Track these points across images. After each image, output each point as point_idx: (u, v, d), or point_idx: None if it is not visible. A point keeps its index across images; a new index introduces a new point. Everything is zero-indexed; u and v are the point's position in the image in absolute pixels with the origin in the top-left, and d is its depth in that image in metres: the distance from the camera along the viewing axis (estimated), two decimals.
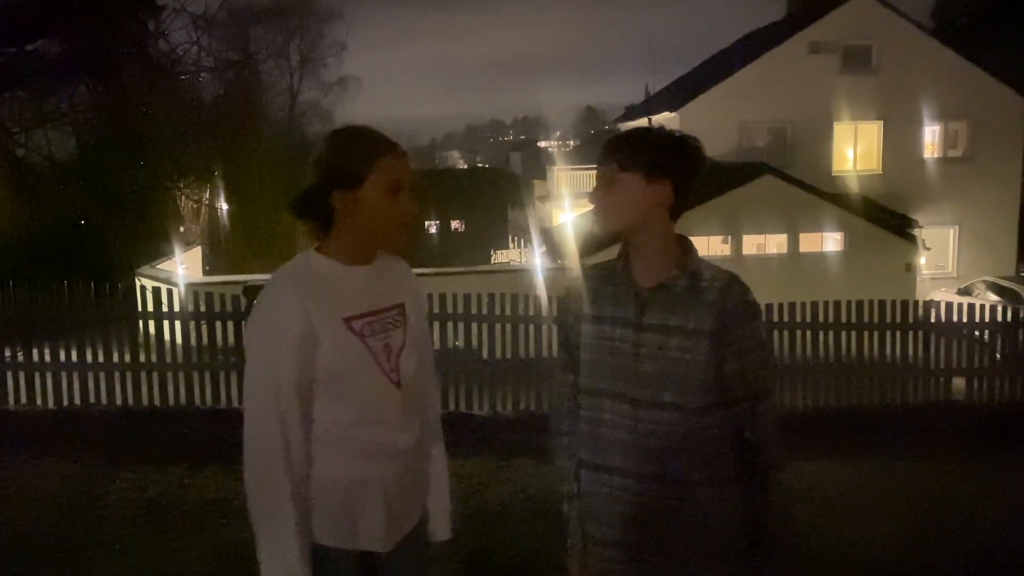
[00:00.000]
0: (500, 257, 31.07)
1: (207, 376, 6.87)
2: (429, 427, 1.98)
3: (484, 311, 7.22)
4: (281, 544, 1.67)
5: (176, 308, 7.14)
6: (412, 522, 1.92)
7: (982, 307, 7.79)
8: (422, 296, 1.99)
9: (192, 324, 6.97)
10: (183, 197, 22.06)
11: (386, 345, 1.80)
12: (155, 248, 17.59)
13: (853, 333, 7.42)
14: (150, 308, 7.05)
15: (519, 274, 15.57)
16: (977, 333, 7.66)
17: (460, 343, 7.21)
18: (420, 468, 1.94)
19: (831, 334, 7.41)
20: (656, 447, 1.72)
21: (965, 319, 7.62)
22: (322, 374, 1.71)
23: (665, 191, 1.73)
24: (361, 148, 1.76)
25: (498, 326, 7.22)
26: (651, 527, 1.75)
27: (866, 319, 7.45)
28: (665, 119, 21.26)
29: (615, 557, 1.80)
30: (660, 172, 1.72)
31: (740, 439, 1.74)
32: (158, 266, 15.87)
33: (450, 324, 7.17)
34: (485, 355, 7.23)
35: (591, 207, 1.83)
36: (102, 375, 6.84)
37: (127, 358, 6.91)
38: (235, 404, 6.69)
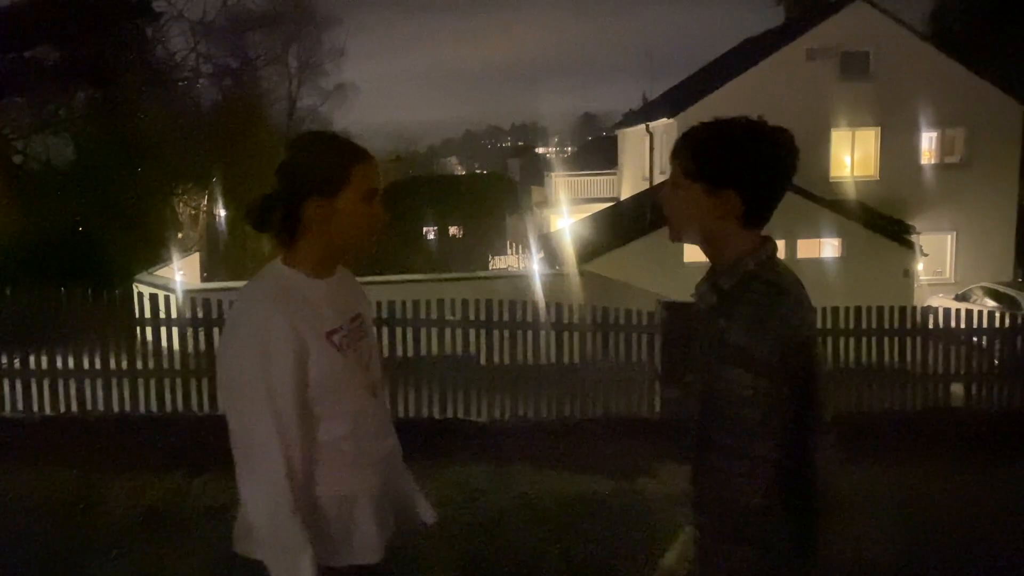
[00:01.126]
0: (498, 263, 31.06)
1: (205, 383, 6.85)
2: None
3: (482, 317, 7.21)
4: (303, 571, 1.63)
5: (174, 315, 7.12)
6: (392, 527, 1.93)
7: (980, 313, 7.79)
8: (371, 305, 2.00)
9: (190, 331, 6.96)
10: (181, 203, 22.08)
11: (359, 356, 1.80)
12: (153, 255, 17.56)
13: (851, 339, 7.42)
14: (148, 315, 7.04)
15: (517, 280, 15.56)
16: (975, 339, 7.67)
17: (459, 351, 7.20)
18: (394, 469, 1.96)
19: (829, 340, 7.40)
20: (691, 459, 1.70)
21: (963, 325, 7.63)
22: (313, 391, 1.68)
23: (730, 202, 1.57)
24: (340, 155, 1.72)
25: (496, 332, 7.21)
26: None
27: (864, 325, 7.45)
28: (663, 125, 21.29)
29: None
30: (723, 182, 1.56)
31: (719, 495, 1.58)
32: (156, 272, 15.84)
33: (448, 330, 7.16)
34: (483, 361, 7.22)
35: (662, 207, 1.68)
36: (99, 382, 6.82)
37: (124, 365, 6.89)
38: None
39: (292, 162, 1.73)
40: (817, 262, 16.90)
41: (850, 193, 19.08)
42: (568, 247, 17.27)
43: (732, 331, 1.49)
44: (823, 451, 1.59)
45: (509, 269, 26.80)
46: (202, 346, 6.90)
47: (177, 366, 6.94)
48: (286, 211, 1.71)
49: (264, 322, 1.65)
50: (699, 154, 1.57)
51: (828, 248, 17.49)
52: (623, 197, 25.04)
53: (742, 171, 1.55)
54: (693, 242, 1.65)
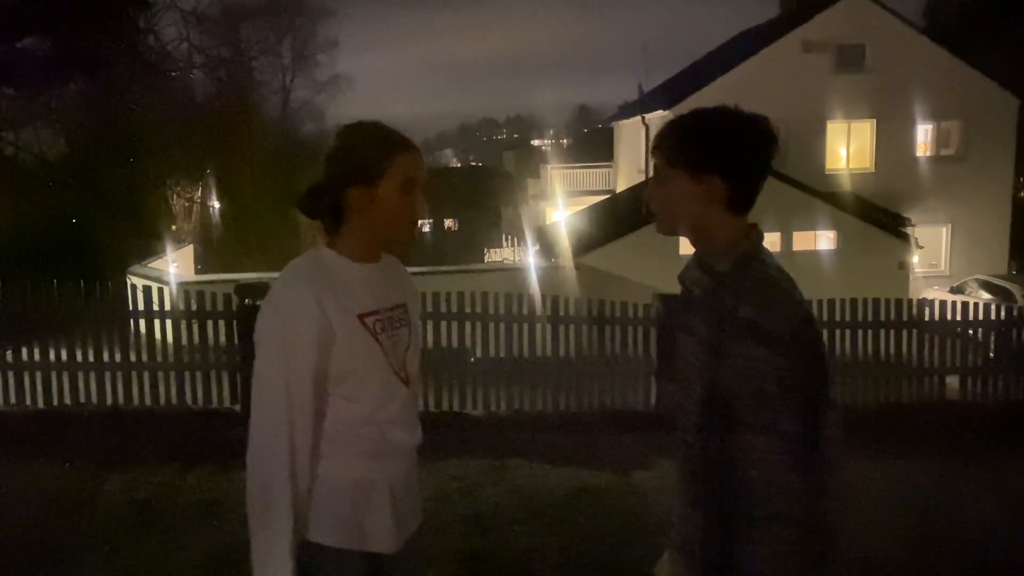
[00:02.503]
0: (493, 256, 31.03)
1: (199, 376, 6.82)
2: None
3: (478, 310, 7.19)
4: (277, 552, 1.65)
5: (168, 307, 7.08)
6: (416, 522, 1.93)
7: (975, 305, 7.80)
8: (419, 297, 2.01)
9: (184, 323, 6.93)
10: (175, 195, 21.98)
11: (395, 343, 1.81)
12: (146, 246, 17.49)
13: (847, 332, 7.43)
14: (141, 307, 7.00)
15: (513, 273, 15.55)
16: (970, 331, 7.67)
17: (455, 344, 7.18)
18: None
19: (824, 333, 7.41)
20: (681, 454, 1.68)
21: (959, 318, 7.63)
22: (336, 370, 1.70)
23: (715, 188, 1.56)
24: (380, 144, 1.75)
25: (492, 325, 7.19)
26: (679, 525, 1.72)
27: (859, 318, 7.45)
28: (659, 117, 21.26)
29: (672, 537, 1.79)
30: (706, 169, 1.55)
31: (744, 476, 1.50)
32: (149, 265, 15.79)
33: (443, 323, 7.13)
34: (479, 354, 7.20)
35: (646, 201, 1.68)
36: (93, 375, 6.78)
37: (118, 358, 6.86)
38: (227, 404, 6.66)
39: (336, 151, 1.76)
40: (812, 254, 16.91)
41: (846, 185, 19.10)
42: (564, 240, 17.25)
43: (744, 307, 1.49)
44: (831, 428, 1.57)
45: (504, 262, 26.75)
46: (196, 339, 6.87)
47: (171, 359, 6.91)
48: (331, 199, 1.75)
49: (290, 299, 1.69)
50: (682, 142, 1.58)
51: (823, 240, 17.51)
52: (619, 190, 25.01)
53: (725, 155, 1.55)
54: (682, 233, 1.65)
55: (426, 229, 35.94)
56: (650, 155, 1.66)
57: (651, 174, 1.68)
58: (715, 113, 1.59)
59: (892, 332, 7.47)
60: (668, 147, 1.60)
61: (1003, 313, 7.76)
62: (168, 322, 7.03)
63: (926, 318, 7.60)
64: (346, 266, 1.76)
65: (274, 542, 1.65)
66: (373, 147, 1.74)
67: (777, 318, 1.47)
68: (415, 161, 1.77)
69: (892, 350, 7.48)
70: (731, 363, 1.48)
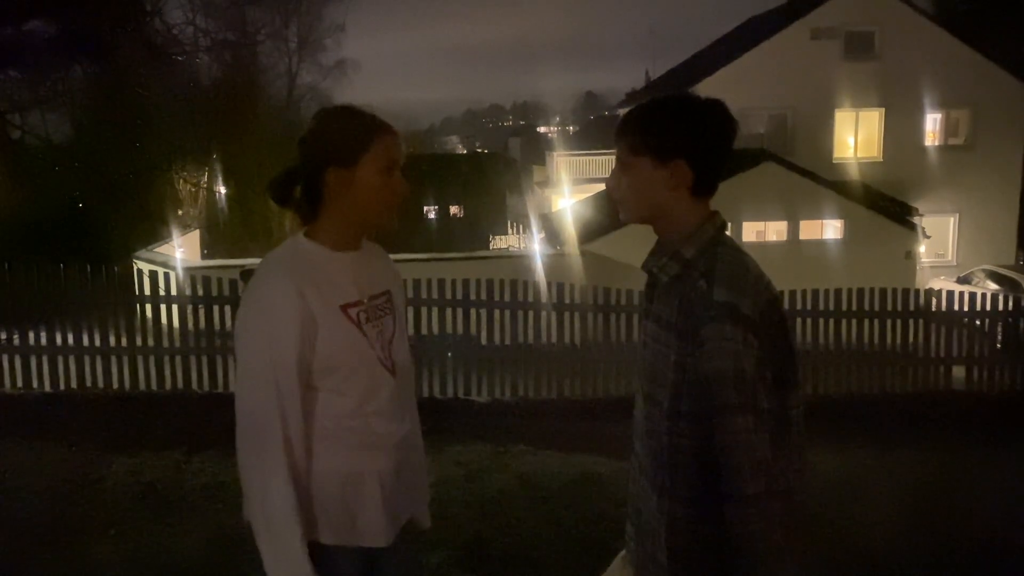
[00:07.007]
0: (499, 243, 30.99)
1: (204, 360, 6.85)
2: (412, 415, 1.96)
3: (483, 297, 7.19)
4: (289, 550, 1.61)
5: (173, 292, 7.10)
6: (408, 514, 1.89)
7: (982, 296, 7.77)
8: (402, 284, 1.97)
9: (189, 308, 6.95)
10: (181, 180, 21.97)
11: (380, 332, 1.76)
12: (152, 231, 17.52)
13: (853, 321, 7.41)
14: (147, 292, 7.02)
15: (518, 260, 15.54)
16: (977, 322, 7.65)
17: (460, 331, 7.19)
18: (411, 458, 1.90)
19: (831, 322, 7.39)
20: (646, 441, 1.67)
21: (965, 308, 7.61)
22: (321, 363, 1.66)
23: (680, 172, 1.57)
24: (358, 126, 1.71)
25: (497, 312, 7.19)
26: (636, 515, 1.73)
27: (866, 307, 7.43)
28: None
29: (627, 529, 1.79)
30: (671, 153, 1.57)
31: (728, 457, 1.50)
32: (155, 249, 15.81)
33: (449, 310, 7.14)
34: (484, 341, 7.21)
35: (609, 192, 1.69)
36: (99, 359, 6.81)
37: (124, 342, 6.88)
38: (232, 388, 6.68)
39: (313, 133, 1.72)
40: (819, 243, 16.86)
41: (853, 174, 18.98)
42: (569, 227, 17.21)
43: (719, 291, 1.50)
44: (797, 408, 1.59)
45: (510, 249, 26.71)
46: (202, 324, 6.89)
47: (177, 344, 6.93)
48: (307, 183, 1.71)
49: (271, 293, 1.64)
50: (646, 128, 1.60)
51: (830, 229, 17.44)
52: None
53: (689, 139, 1.58)
54: (645, 220, 1.66)
55: (431, 216, 35.90)
56: (613, 144, 1.66)
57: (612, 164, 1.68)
58: (676, 99, 1.62)
59: (899, 322, 7.45)
60: (632, 134, 1.61)
61: (1010, 303, 7.73)
62: (174, 307, 7.05)
63: (933, 308, 7.58)
64: (326, 256, 1.71)
65: (285, 544, 1.61)
66: (351, 128, 1.70)
67: (750, 300, 1.50)
68: (395, 143, 1.72)
69: (899, 340, 7.47)
70: (710, 346, 1.48)
